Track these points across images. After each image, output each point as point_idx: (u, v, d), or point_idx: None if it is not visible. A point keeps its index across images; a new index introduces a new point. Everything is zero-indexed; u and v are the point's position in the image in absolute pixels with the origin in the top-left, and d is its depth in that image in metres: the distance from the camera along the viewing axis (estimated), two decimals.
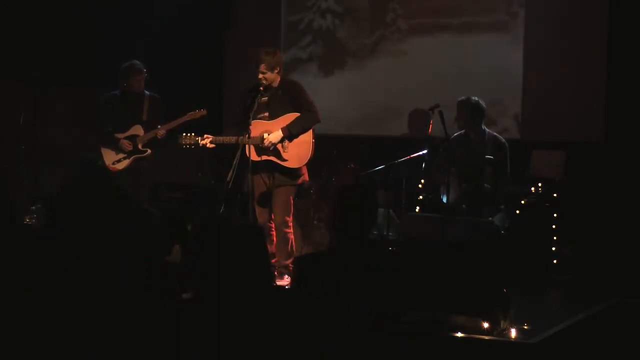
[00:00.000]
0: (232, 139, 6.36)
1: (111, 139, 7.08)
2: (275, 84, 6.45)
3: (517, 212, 7.01)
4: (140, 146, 7.10)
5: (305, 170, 6.53)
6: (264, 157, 6.38)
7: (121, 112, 7.15)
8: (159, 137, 7.10)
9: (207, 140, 6.46)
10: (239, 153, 6.26)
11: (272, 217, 6.49)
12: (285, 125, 6.34)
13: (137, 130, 7.13)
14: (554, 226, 7.21)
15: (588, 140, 7.82)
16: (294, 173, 6.46)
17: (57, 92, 8.20)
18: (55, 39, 8.09)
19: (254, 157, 6.35)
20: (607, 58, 7.77)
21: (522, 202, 7.10)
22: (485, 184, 6.88)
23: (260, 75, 6.34)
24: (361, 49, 8.93)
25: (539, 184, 7.15)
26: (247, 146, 6.26)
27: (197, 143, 6.48)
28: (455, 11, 8.46)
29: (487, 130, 7.18)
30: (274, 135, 6.32)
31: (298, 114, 6.40)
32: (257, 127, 6.35)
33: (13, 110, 7.45)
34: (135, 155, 7.10)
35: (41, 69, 7.51)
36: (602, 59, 7.78)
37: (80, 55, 8.25)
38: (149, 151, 7.12)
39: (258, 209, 6.46)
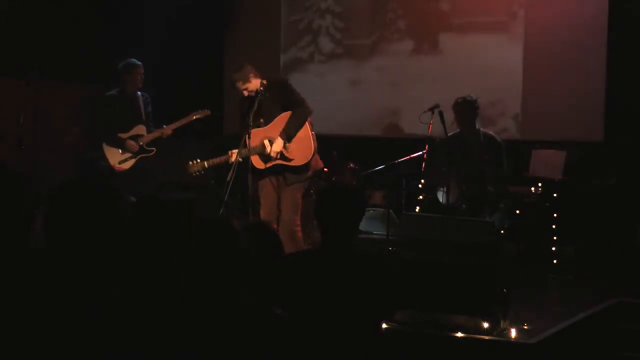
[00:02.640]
0: (232, 157, 6.35)
1: (115, 139, 7.12)
2: (262, 87, 6.45)
3: (517, 212, 7.01)
4: (144, 146, 7.16)
5: (314, 161, 6.52)
6: (270, 164, 6.39)
7: (121, 112, 7.18)
8: (165, 136, 7.16)
9: (209, 163, 6.50)
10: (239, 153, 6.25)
11: (279, 216, 6.49)
12: (281, 129, 6.34)
13: (140, 130, 7.18)
14: (554, 226, 7.21)
15: (588, 140, 7.82)
16: (303, 168, 6.48)
17: (57, 91, 8.20)
18: (55, 38, 8.09)
19: (259, 165, 6.36)
20: (606, 58, 7.77)
21: (522, 202, 7.09)
22: (489, 187, 6.88)
23: (245, 93, 6.43)
24: (361, 49, 8.93)
25: (539, 184, 7.15)
26: (253, 158, 6.27)
27: (204, 167, 6.52)
28: (455, 11, 8.47)
29: (480, 129, 7.15)
30: (276, 145, 6.32)
31: (289, 113, 6.41)
32: (256, 136, 6.37)
33: (13, 110, 7.44)
34: (142, 155, 7.16)
35: (41, 68, 7.50)
36: (602, 59, 7.79)
37: (81, 55, 8.25)
38: (155, 150, 7.18)
39: (264, 211, 6.46)
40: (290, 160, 6.39)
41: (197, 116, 7.07)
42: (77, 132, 8.46)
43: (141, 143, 7.14)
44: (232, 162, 6.32)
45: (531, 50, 8.13)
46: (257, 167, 6.34)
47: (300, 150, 6.41)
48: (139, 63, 7.24)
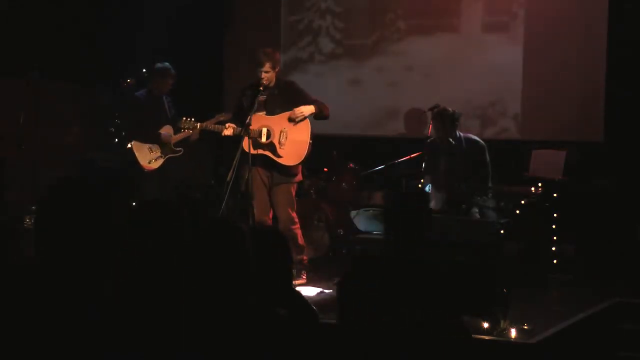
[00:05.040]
0: (225, 131, 6.41)
1: (147, 138, 7.15)
2: (272, 84, 6.47)
3: (517, 212, 7.00)
4: (172, 146, 7.21)
5: (300, 170, 6.56)
6: (259, 151, 6.41)
7: (150, 113, 7.23)
8: (191, 137, 7.22)
9: (201, 125, 6.59)
10: (238, 153, 6.28)
11: (276, 215, 6.51)
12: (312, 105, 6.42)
13: (168, 130, 7.23)
14: (554, 226, 7.20)
15: (588, 140, 7.82)
16: (290, 171, 6.49)
17: (57, 91, 8.20)
18: (55, 38, 8.09)
19: (250, 149, 6.39)
20: (606, 58, 7.77)
21: (522, 202, 7.09)
22: (478, 197, 6.85)
23: (264, 75, 6.36)
24: (361, 49, 8.92)
25: (539, 184, 7.14)
26: (244, 139, 6.28)
27: (195, 127, 6.61)
28: (455, 11, 8.46)
29: (462, 134, 7.08)
30: (306, 108, 6.38)
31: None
32: (257, 121, 6.37)
33: (13, 110, 7.45)
34: (170, 155, 7.20)
35: (41, 68, 7.52)
36: (602, 59, 7.79)
37: (81, 55, 8.25)
38: (182, 150, 7.22)
39: (257, 208, 6.47)
40: (279, 157, 6.41)
41: (222, 118, 7.12)
42: (77, 132, 8.47)
43: (171, 143, 7.21)
44: (225, 135, 6.40)
45: (531, 50, 8.13)
46: (245, 149, 6.33)
47: (293, 151, 6.43)
48: (174, 72, 7.32)
